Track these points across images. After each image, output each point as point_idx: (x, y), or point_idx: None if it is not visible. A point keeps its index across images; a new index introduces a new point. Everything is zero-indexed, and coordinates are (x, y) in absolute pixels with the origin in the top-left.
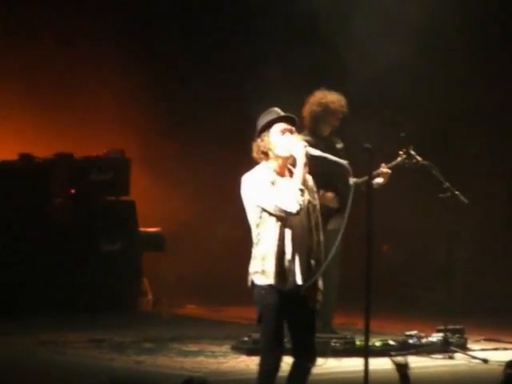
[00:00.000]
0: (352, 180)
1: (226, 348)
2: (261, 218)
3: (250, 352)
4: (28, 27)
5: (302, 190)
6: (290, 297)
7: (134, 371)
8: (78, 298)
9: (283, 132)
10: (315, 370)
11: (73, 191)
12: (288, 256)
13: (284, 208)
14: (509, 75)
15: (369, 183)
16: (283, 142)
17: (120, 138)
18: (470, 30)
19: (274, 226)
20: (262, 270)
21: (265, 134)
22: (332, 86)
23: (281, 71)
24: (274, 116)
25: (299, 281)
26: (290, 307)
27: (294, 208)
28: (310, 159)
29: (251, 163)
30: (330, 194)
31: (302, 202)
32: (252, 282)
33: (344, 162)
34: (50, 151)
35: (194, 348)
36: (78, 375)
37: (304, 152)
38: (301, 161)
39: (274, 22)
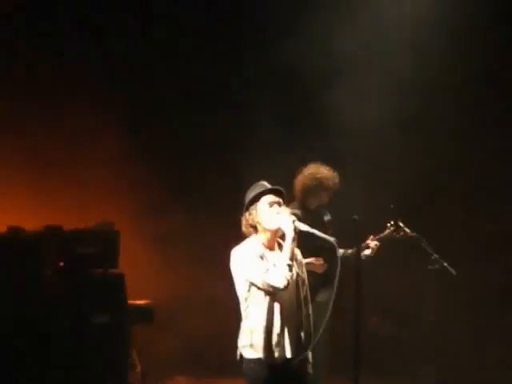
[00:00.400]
0: (339, 252)
1: None
2: (249, 291)
3: None
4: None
5: (290, 266)
6: (279, 371)
7: None
8: (67, 369)
9: (271, 205)
10: None
11: (61, 263)
12: (277, 330)
13: (272, 283)
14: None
15: (358, 255)
16: (271, 215)
17: (111, 207)
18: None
19: (262, 299)
20: (250, 344)
21: (253, 207)
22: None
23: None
24: (261, 189)
25: (288, 354)
26: (280, 381)
27: (281, 283)
28: (298, 232)
29: (241, 236)
30: (312, 260)
31: (289, 278)
32: (241, 355)
33: (331, 239)
34: (40, 223)
35: None
36: None
37: (292, 226)
38: (289, 235)
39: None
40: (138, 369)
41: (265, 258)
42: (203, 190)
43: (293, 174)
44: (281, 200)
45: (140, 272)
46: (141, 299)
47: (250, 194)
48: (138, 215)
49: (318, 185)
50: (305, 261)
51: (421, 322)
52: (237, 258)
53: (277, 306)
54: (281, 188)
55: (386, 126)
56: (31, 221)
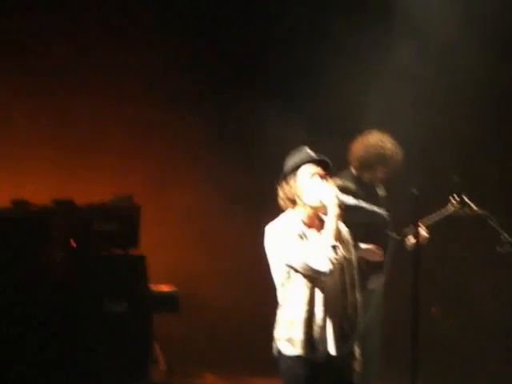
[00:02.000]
0: (392, 233)
1: None
2: (288, 277)
3: None
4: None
5: (334, 247)
6: (321, 368)
7: None
8: (80, 367)
9: (314, 176)
10: None
11: (74, 243)
12: (319, 322)
13: (314, 267)
14: None
15: (416, 235)
16: (313, 188)
17: (128, 181)
18: None
19: (302, 286)
20: (288, 338)
21: (291, 177)
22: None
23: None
24: (304, 157)
25: (332, 350)
26: (322, 380)
27: (325, 268)
28: (345, 209)
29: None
30: (371, 247)
31: (335, 261)
32: (278, 350)
33: (383, 212)
34: (48, 197)
35: None
36: None
37: (336, 201)
38: (333, 212)
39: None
40: (162, 365)
41: (305, 237)
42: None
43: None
44: (326, 173)
45: (164, 253)
46: (164, 285)
47: (291, 161)
48: (161, 187)
49: (379, 160)
50: (363, 246)
51: (486, 316)
52: (272, 237)
53: (319, 294)
54: (327, 159)
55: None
56: (38, 195)
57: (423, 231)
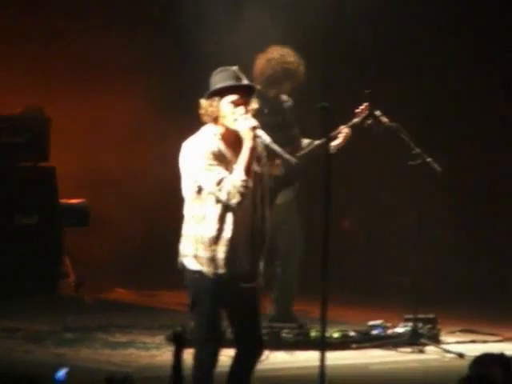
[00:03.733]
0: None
1: (159, 339)
2: (198, 194)
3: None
4: None
5: (245, 181)
6: (226, 286)
7: (52, 365)
8: None
9: (236, 105)
10: (262, 366)
11: None
12: (227, 240)
13: (223, 198)
14: None
15: (327, 148)
16: (233, 116)
17: (39, 94)
18: None
19: (212, 204)
20: (194, 255)
21: (216, 99)
22: None
23: None
24: (230, 82)
25: (241, 267)
26: (228, 293)
27: (233, 200)
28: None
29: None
30: (275, 162)
31: (243, 195)
32: (183, 265)
33: (292, 159)
34: None
35: (122, 339)
36: None
37: (252, 135)
38: (248, 144)
39: None
40: (72, 278)
41: (220, 156)
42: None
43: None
44: (249, 99)
45: (73, 166)
46: (74, 198)
47: (217, 81)
48: (70, 98)
49: (285, 75)
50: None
51: (398, 227)
52: (189, 154)
53: (229, 212)
54: (253, 84)
55: None
56: None
57: (344, 129)
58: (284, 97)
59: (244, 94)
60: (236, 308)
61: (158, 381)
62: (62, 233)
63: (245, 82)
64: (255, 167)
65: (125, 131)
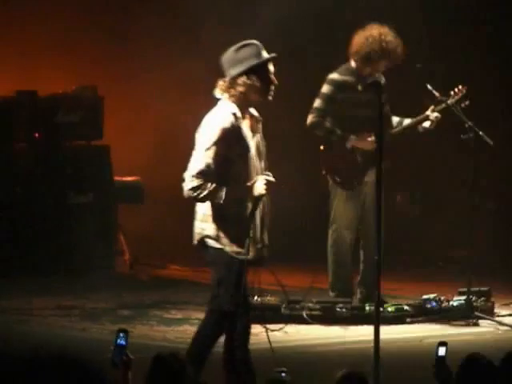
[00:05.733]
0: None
1: None
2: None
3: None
4: None
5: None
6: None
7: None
8: (44, 258)
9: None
10: (319, 341)
11: (37, 135)
12: (247, 219)
13: (185, 187)
14: None
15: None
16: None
17: (91, 72)
18: None
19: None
20: (216, 234)
21: (249, 72)
22: None
23: None
24: (265, 56)
25: (258, 241)
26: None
27: (185, 196)
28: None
29: None
30: (364, 137)
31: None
32: (205, 243)
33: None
34: (10, 88)
35: (177, 315)
36: (40, 348)
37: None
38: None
39: None
40: (126, 256)
41: (241, 135)
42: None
43: None
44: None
45: (128, 144)
46: (129, 176)
47: (249, 55)
48: (124, 79)
49: (382, 54)
50: (353, 137)
51: (450, 201)
52: (208, 130)
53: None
54: (276, 55)
55: None
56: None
57: (434, 114)
58: (378, 75)
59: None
60: None
61: (212, 356)
62: (116, 210)
63: (271, 54)
64: (258, 164)
65: (178, 108)
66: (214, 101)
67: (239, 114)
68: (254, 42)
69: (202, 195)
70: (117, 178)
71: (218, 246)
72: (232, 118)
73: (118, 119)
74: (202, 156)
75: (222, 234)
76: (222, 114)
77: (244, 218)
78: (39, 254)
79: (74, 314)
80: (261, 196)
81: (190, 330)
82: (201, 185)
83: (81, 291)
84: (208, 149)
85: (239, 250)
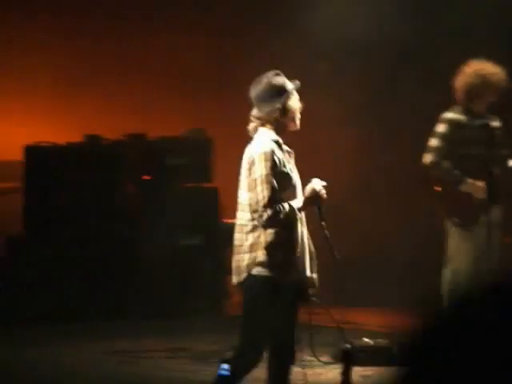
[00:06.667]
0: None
1: (324, 357)
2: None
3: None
4: None
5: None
6: (288, 288)
7: None
8: (155, 300)
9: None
10: None
11: (146, 177)
12: (296, 245)
13: (260, 218)
14: None
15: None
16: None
17: (199, 115)
18: None
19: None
20: (262, 261)
21: (289, 94)
22: None
23: None
24: (293, 84)
25: (304, 272)
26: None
27: (261, 222)
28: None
29: None
30: (478, 184)
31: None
32: (249, 272)
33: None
34: (119, 132)
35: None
36: None
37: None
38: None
39: None
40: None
41: (287, 165)
42: None
43: None
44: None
45: (237, 186)
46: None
47: (285, 83)
48: (231, 122)
49: (482, 82)
50: (469, 181)
51: None
52: (256, 160)
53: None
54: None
55: None
56: (108, 129)
57: None
58: (492, 115)
59: None
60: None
61: None
62: (225, 252)
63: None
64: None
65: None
66: None
67: (281, 141)
68: (278, 72)
69: (281, 219)
70: (225, 220)
71: (267, 274)
72: (274, 144)
73: (226, 161)
74: (262, 185)
75: (272, 261)
76: (267, 143)
77: (295, 243)
78: (152, 294)
79: (182, 356)
80: (321, 197)
81: (299, 373)
82: (276, 211)
83: (190, 333)
84: (266, 175)
85: (286, 275)
